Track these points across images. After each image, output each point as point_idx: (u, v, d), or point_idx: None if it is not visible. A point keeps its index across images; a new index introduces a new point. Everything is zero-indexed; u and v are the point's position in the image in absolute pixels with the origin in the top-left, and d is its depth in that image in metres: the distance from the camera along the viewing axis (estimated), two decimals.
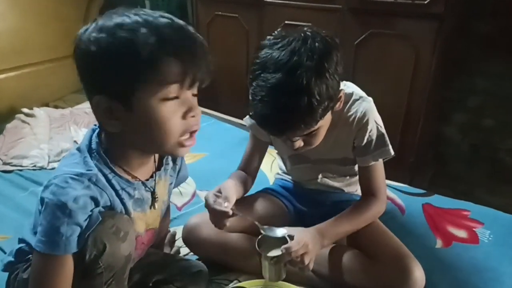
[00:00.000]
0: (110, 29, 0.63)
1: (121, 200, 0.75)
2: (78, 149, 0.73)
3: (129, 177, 0.76)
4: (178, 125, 0.68)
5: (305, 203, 1.17)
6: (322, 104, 0.83)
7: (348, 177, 1.14)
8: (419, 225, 1.23)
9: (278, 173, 1.29)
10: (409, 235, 1.16)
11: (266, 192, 1.19)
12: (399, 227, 1.18)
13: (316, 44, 0.83)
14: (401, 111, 1.82)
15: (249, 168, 1.15)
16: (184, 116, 0.69)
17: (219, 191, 0.95)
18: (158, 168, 0.84)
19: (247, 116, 1.15)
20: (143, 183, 0.79)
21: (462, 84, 1.99)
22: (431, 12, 1.62)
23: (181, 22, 0.68)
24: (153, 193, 0.82)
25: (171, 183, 0.91)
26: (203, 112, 1.99)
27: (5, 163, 1.59)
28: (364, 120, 0.98)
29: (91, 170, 0.69)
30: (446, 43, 1.69)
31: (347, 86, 1.02)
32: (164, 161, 0.85)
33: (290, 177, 1.23)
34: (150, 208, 0.83)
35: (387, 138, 1.01)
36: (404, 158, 1.86)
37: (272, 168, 1.53)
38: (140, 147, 0.74)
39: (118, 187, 0.74)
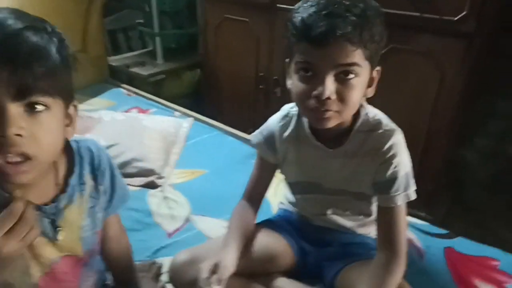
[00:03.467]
0: None
1: None
2: None
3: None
4: None
5: (310, 241, 1.04)
6: (374, 20, 0.75)
7: (362, 216, 1.00)
8: (441, 273, 1.08)
9: (282, 203, 1.16)
10: (429, 286, 1.01)
11: (268, 226, 1.05)
12: (417, 274, 1.04)
13: None
14: (421, 134, 1.67)
15: (254, 196, 1.04)
16: None
17: (216, 265, 0.82)
18: (62, 190, 0.71)
19: (255, 132, 1.03)
20: (38, 208, 0.67)
21: (485, 107, 1.84)
22: (460, 30, 1.47)
23: (16, 26, 0.56)
24: (53, 222, 0.70)
25: (92, 206, 0.78)
26: (204, 122, 1.92)
27: None
28: (390, 154, 0.85)
29: None
30: (475, 63, 1.54)
31: (375, 114, 0.89)
32: (73, 181, 0.73)
33: (295, 209, 1.09)
34: (56, 238, 0.71)
35: (411, 179, 0.88)
36: (422, 185, 1.71)
37: (276, 192, 1.38)
38: None
39: (3, 206, 0.62)
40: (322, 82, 0.75)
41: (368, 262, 0.91)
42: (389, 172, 0.85)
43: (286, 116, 0.97)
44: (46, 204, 0.69)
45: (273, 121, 0.99)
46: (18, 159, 0.57)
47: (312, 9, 0.74)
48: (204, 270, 0.81)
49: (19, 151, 0.56)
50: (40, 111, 0.58)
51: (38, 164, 0.60)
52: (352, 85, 0.77)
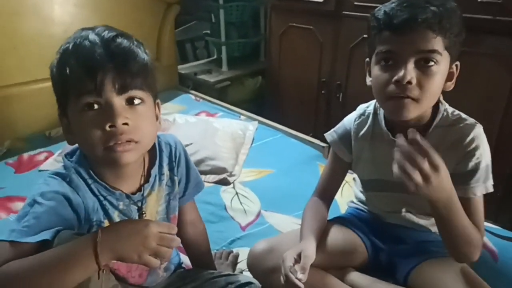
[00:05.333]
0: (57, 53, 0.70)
1: (103, 206, 0.75)
2: None
3: (107, 186, 0.75)
4: (98, 135, 0.66)
5: (383, 238, 1.05)
6: (453, 12, 0.79)
7: None
8: None
9: (352, 201, 1.18)
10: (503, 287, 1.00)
11: (339, 222, 1.08)
12: (491, 276, 1.01)
13: None
14: (491, 139, 1.62)
15: (326, 193, 1.07)
16: (103, 126, 0.66)
17: (299, 255, 0.86)
18: (146, 180, 0.81)
19: (330, 131, 1.07)
20: (127, 196, 0.77)
21: None
22: None
23: (110, 34, 0.68)
24: (140, 209, 0.79)
25: (168, 193, 0.87)
26: (268, 125, 2.00)
27: None
28: (473, 146, 0.86)
29: (65, 171, 0.73)
30: None
31: (453, 109, 0.91)
32: (154, 171, 0.82)
33: (366, 207, 1.12)
34: None
35: (490, 172, 0.88)
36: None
37: (342, 193, 1.42)
38: (93, 158, 0.73)
39: (98, 193, 0.74)
40: (403, 67, 0.79)
41: (444, 260, 0.92)
42: (472, 163, 0.86)
43: (362, 114, 1.00)
44: (133, 193, 0.79)
45: (349, 120, 1.03)
46: (127, 144, 0.68)
47: (394, 4, 0.80)
48: (288, 258, 0.86)
49: (127, 137, 0.67)
50: (138, 104, 0.70)
51: (142, 147, 0.72)
52: (432, 72, 0.79)
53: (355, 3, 1.89)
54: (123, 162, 0.69)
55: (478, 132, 0.87)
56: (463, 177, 0.87)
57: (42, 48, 1.77)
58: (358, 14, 1.88)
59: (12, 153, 1.74)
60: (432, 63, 0.79)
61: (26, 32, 1.81)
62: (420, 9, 0.77)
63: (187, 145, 1.59)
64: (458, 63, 0.86)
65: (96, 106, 0.66)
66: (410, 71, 0.78)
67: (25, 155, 1.71)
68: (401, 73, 0.78)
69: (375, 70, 0.85)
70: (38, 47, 1.81)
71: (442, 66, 0.81)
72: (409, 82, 0.78)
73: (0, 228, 1.24)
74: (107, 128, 0.65)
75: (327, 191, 1.08)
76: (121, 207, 0.77)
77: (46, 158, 1.68)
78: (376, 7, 0.85)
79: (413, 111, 0.82)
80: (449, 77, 0.85)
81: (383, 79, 0.83)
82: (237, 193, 1.46)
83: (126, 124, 0.67)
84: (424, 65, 0.79)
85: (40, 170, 1.59)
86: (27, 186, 1.36)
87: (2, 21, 1.73)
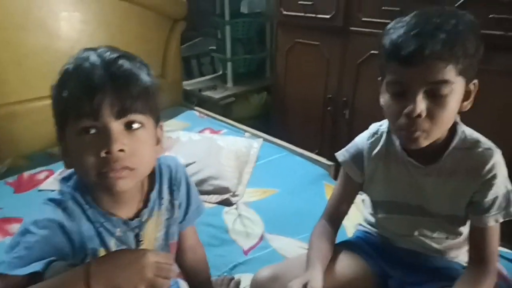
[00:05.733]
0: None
1: (99, 234, 0.72)
2: None
3: (104, 212, 0.72)
4: (92, 161, 0.63)
5: (393, 264, 1.00)
6: (468, 34, 0.74)
7: (450, 239, 0.96)
8: None
9: (360, 224, 1.13)
10: None
11: (347, 247, 1.04)
12: None
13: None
14: (505, 158, 1.57)
15: (336, 216, 1.03)
16: (98, 153, 0.62)
17: (306, 285, 0.81)
18: (145, 205, 0.77)
19: (341, 151, 1.02)
20: (125, 222, 0.74)
21: None
22: None
23: (112, 55, 0.66)
24: (136, 236, 0.76)
25: (167, 218, 0.83)
26: (273, 143, 1.95)
27: None
28: (492, 174, 0.82)
29: (60, 197, 0.70)
30: None
31: (471, 132, 0.87)
32: (154, 195, 0.78)
33: (376, 230, 1.06)
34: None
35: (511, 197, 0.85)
36: None
37: (349, 216, 1.36)
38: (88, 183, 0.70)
39: (94, 220, 0.71)
40: (412, 100, 0.75)
41: None
42: (491, 191, 0.83)
43: (375, 133, 0.97)
44: (131, 219, 0.75)
45: (362, 139, 0.99)
46: (121, 171, 0.64)
47: (402, 30, 0.75)
48: (294, 287, 0.81)
49: (123, 165, 0.63)
50: (137, 129, 0.66)
51: (138, 175, 0.68)
52: (444, 102, 0.76)
53: (363, 19, 1.86)
54: (118, 189, 0.66)
55: (497, 159, 0.83)
56: (483, 207, 0.85)
57: (47, 65, 1.76)
58: (366, 30, 1.85)
59: (13, 171, 1.71)
60: (444, 92, 0.75)
61: (31, 47, 1.80)
62: (428, 38, 0.73)
63: (190, 164, 1.56)
64: (476, 81, 0.81)
65: (93, 131, 0.63)
66: (419, 104, 0.75)
67: (26, 174, 1.68)
68: (410, 107, 0.76)
69: (386, 97, 0.82)
70: (43, 63, 1.80)
71: (455, 93, 0.77)
72: (419, 115, 0.75)
73: None
74: (102, 154, 0.62)
75: (336, 214, 1.04)
76: (117, 234, 0.74)
77: (47, 177, 1.65)
78: (384, 23, 0.82)
79: (424, 142, 0.80)
80: (466, 97, 0.81)
81: (393, 110, 0.80)
82: (239, 215, 1.41)
83: (122, 150, 0.63)
84: (435, 94, 0.76)
85: (40, 190, 1.55)
86: (26, 206, 1.34)
87: (7, 36, 1.71)
